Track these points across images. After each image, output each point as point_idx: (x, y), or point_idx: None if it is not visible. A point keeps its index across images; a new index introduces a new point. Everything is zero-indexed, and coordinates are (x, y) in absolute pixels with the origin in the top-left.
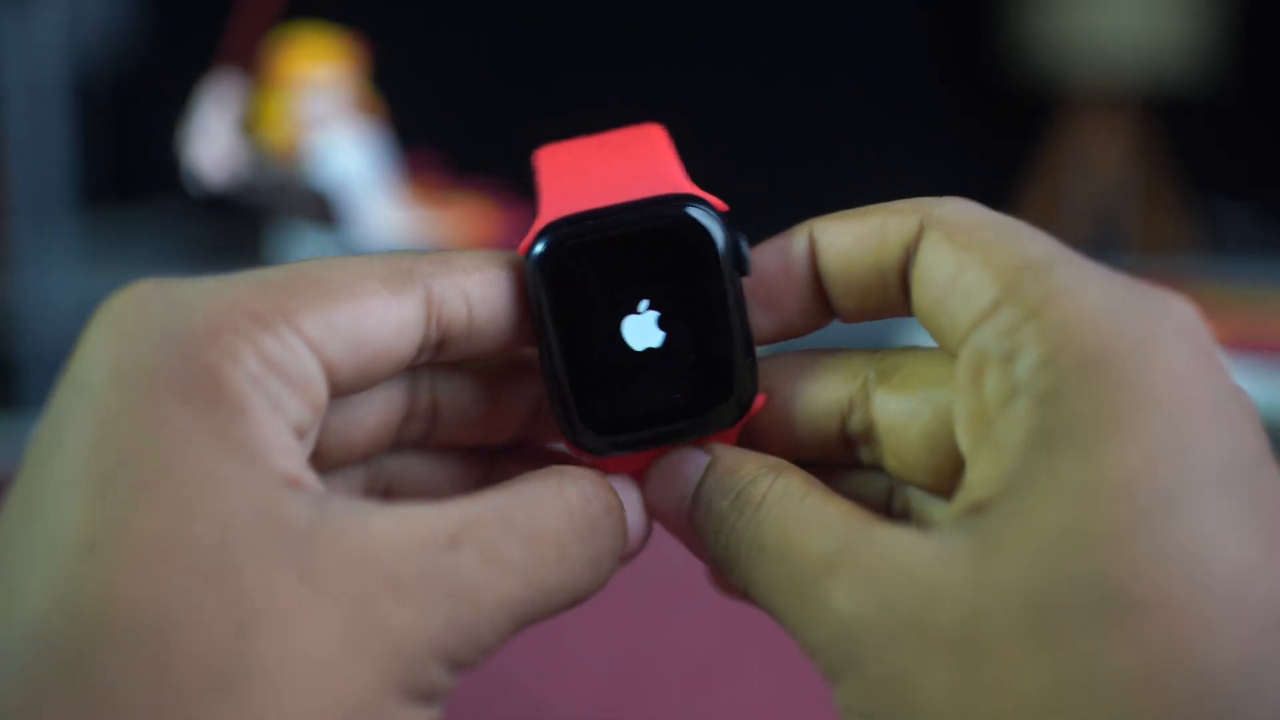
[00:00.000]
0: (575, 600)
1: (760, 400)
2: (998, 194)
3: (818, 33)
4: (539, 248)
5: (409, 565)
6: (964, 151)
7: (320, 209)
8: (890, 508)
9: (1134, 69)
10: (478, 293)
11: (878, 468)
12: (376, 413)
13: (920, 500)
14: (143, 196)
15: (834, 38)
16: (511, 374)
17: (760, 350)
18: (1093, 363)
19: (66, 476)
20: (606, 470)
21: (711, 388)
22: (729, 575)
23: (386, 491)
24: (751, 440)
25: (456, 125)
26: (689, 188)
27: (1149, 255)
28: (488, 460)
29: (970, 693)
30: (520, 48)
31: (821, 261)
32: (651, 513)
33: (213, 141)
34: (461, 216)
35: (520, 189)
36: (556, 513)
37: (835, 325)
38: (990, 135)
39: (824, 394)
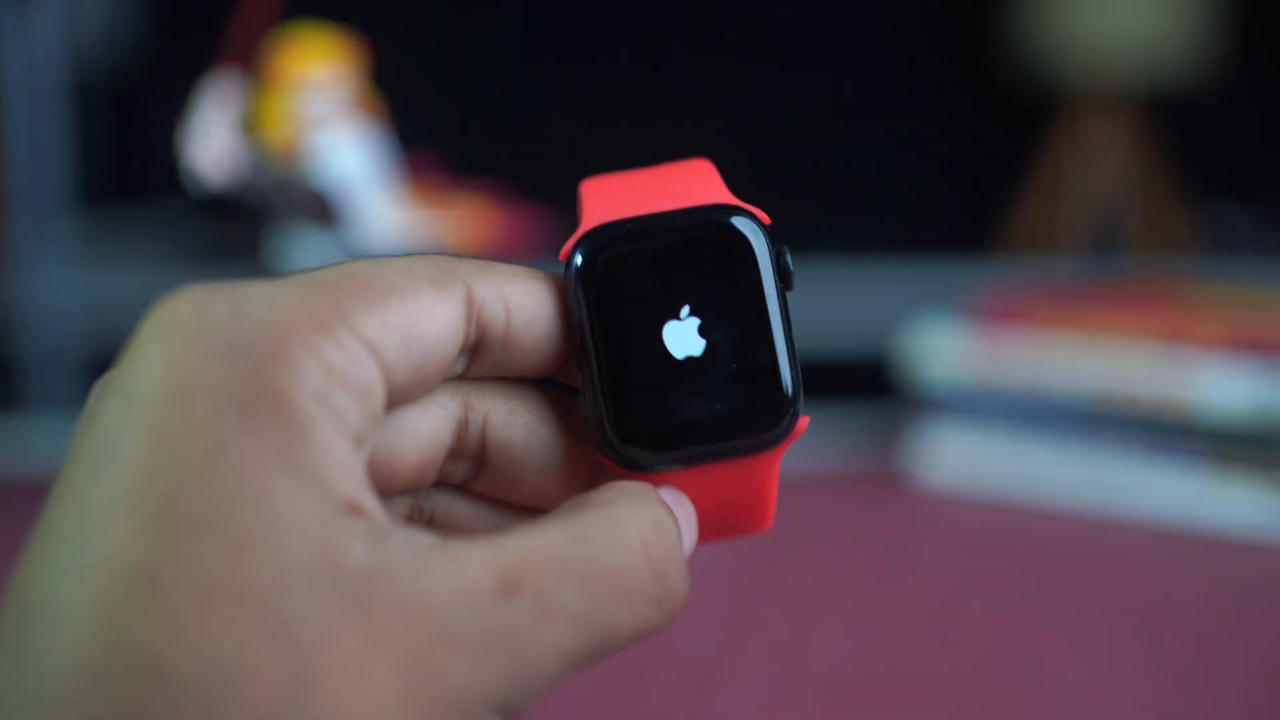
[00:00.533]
0: (639, 639)
1: (805, 420)
2: (998, 194)
3: (817, 32)
4: (579, 249)
5: (464, 617)
6: (964, 151)
7: (320, 209)
8: None
9: (1134, 69)
10: (517, 300)
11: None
12: (422, 444)
13: None
14: (143, 196)
15: (833, 37)
16: (568, 439)
17: None
18: None
19: (119, 495)
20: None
21: (755, 401)
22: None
23: (429, 523)
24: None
25: (456, 125)
26: (733, 200)
27: (1149, 255)
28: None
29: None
30: (520, 47)
31: None
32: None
33: (212, 141)
34: (461, 216)
35: (520, 189)
36: (619, 549)
37: None
38: (990, 135)
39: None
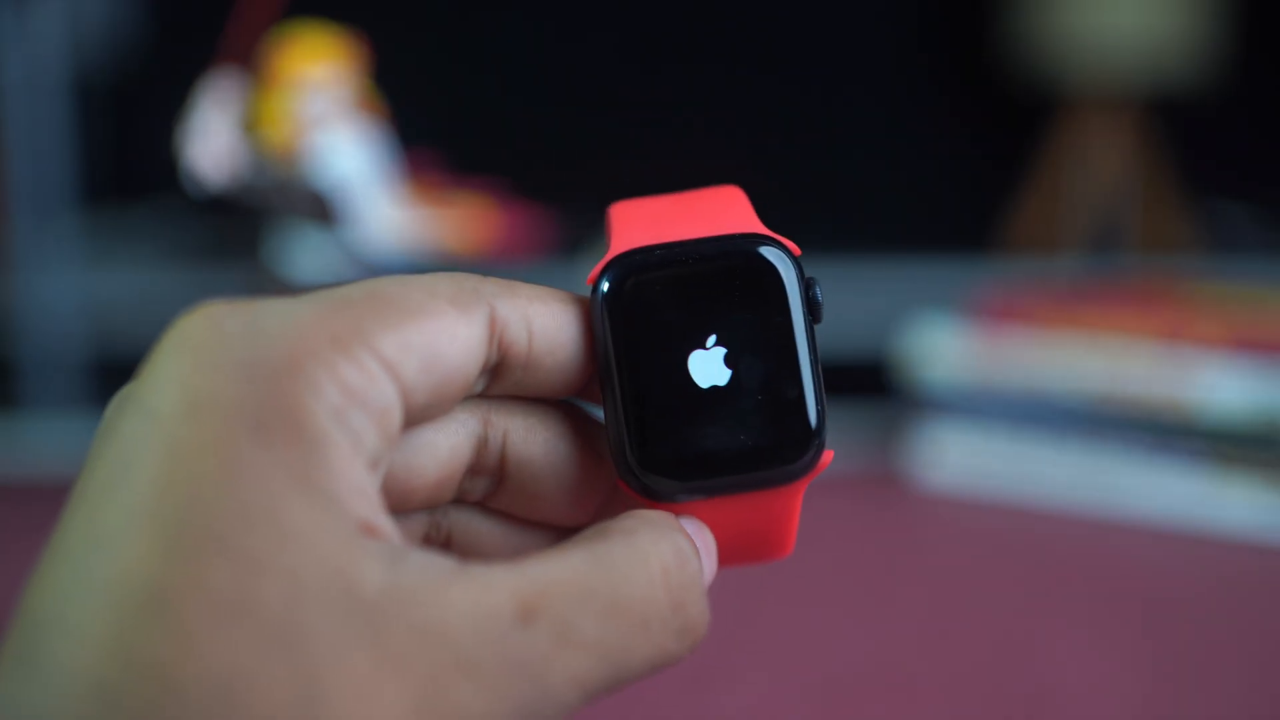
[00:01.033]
0: (658, 670)
1: (829, 454)
2: (998, 194)
3: (817, 32)
4: (607, 275)
5: (480, 643)
6: (964, 151)
7: (320, 208)
8: None
9: (1134, 69)
10: (539, 322)
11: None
12: (441, 461)
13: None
14: (143, 196)
15: (833, 37)
16: (588, 457)
17: None
18: None
19: (133, 513)
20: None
21: (780, 432)
22: None
23: (446, 542)
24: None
25: (456, 125)
26: (763, 230)
27: (1149, 255)
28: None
29: None
30: (520, 47)
31: None
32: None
33: (212, 141)
34: (461, 216)
35: (520, 189)
36: (640, 579)
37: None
38: (990, 135)
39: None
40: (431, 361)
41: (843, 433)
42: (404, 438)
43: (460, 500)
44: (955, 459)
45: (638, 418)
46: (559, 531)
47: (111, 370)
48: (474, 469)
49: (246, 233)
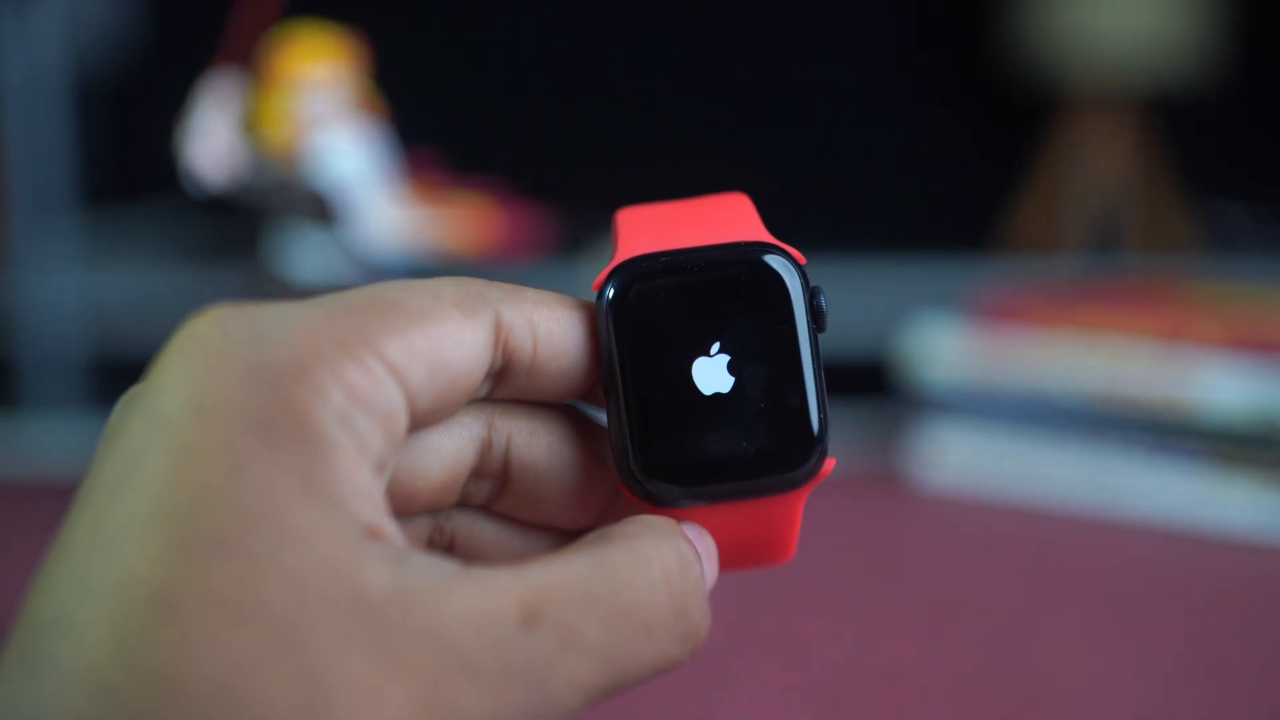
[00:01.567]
0: (659, 674)
1: (831, 462)
2: (997, 193)
3: (817, 32)
4: (612, 281)
5: (483, 646)
6: (964, 151)
7: (320, 208)
8: None
9: (1134, 69)
10: (544, 328)
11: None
12: (445, 464)
13: None
14: (143, 196)
15: (833, 37)
16: (591, 460)
17: None
18: None
19: (139, 515)
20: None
21: (782, 440)
22: None
23: (450, 546)
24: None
25: (456, 125)
26: (769, 238)
27: (1149, 255)
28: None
29: None
30: (520, 46)
31: None
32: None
33: (212, 141)
34: (462, 215)
35: (520, 188)
36: (643, 584)
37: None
38: (990, 135)
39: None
40: (437, 366)
41: (843, 433)
42: (409, 441)
43: (464, 504)
44: (955, 459)
45: (641, 423)
46: (561, 535)
47: (111, 370)
48: (478, 472)
49: (246, 233)
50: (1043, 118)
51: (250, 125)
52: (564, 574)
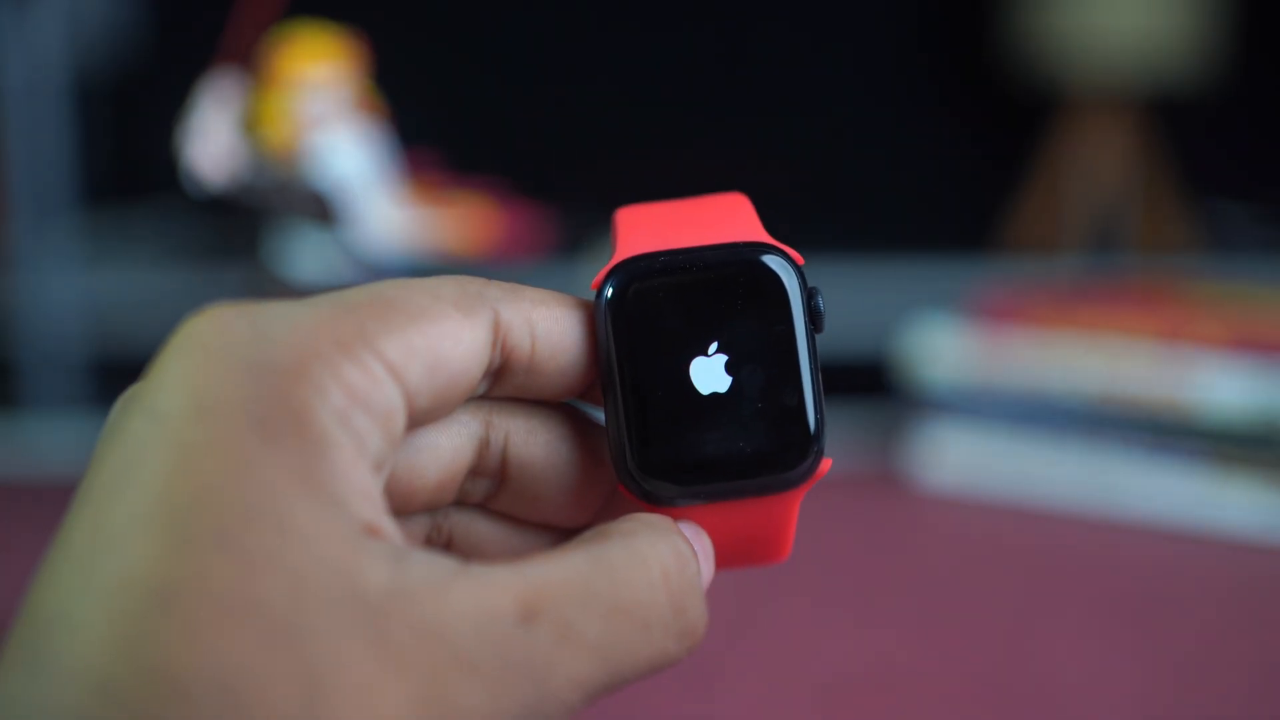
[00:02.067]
0: (656, 671)
1: (827, 462)
2: (997, 193)
3: (817, 31)
4: (611, 280)
5: (482, 643)
6: (964, 151)
7: (320, 209)
8: None
9: (1134, 69)
10: (543, 326)
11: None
12: (443, 463)
13: None
14: (143, 196)
15: (833, 37)
16: (588, 458)
17: None
18: None
19: (140, 512)
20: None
21: (779, 440)
22: None
23: (448, 544)
24: None
25: (456, 125)
26: (768, 239)
27: (1149, 255)
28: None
29: None
30: (521, 46)
31: None
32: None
33: (211, 141)
34: (462, 215)
35: (520, 188)
36: (641, 581)
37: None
38: (990, 135)
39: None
40: (435, 365)
41: (843, 433)
42: (407, 439)
43: (461, 502)
44: (955, 459)
45: (639, 423)
46: (558, 533)
47: (111, 370)
48: (475, 470)
49: (246, 233)
50: (1043, 118)
51: (250, 125)
52: (562, 571)
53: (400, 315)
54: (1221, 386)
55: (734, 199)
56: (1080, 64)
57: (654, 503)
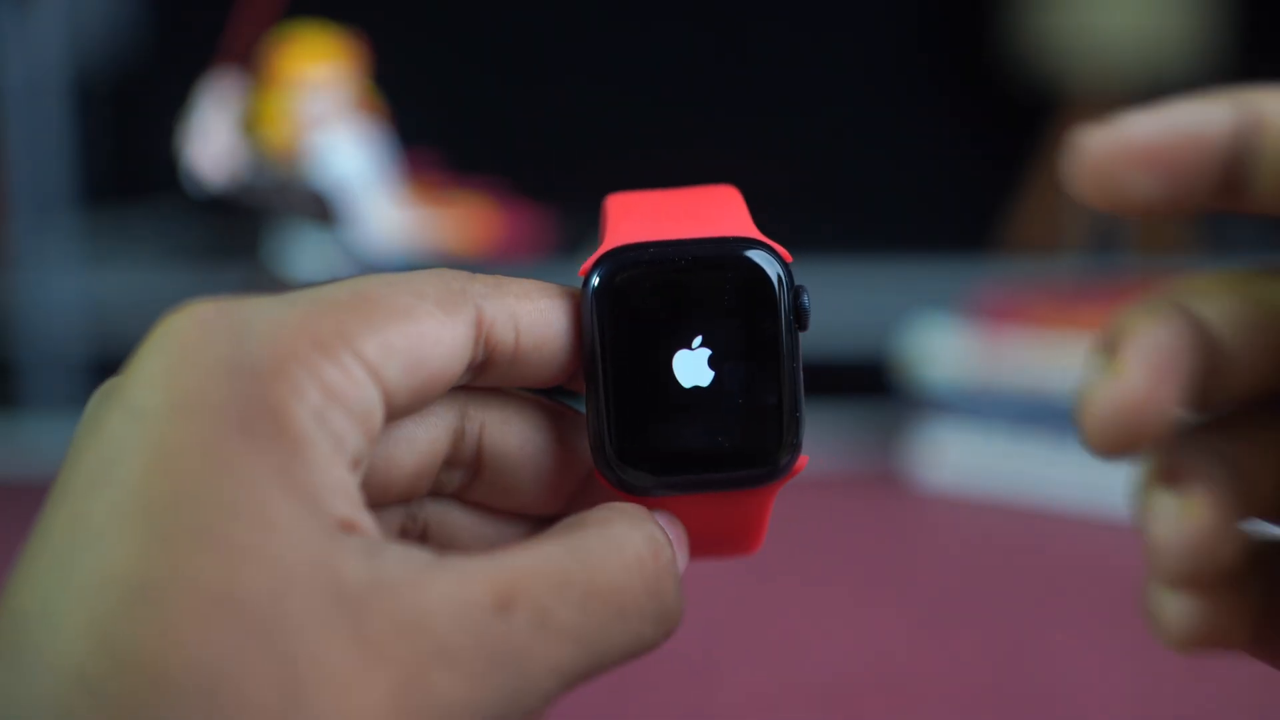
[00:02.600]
0: (635, 657)
1: (804, 460)
2: (997, 193)
3: (816, 31)
4: (598, 269)
5: (460, 632)
6: (964, 151)
7: (320, 208)
8: None
9: (1133, 69)
10: (526, 320)
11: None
12: (419, 454)
13: None
14: (143, 196)
15: (833, 36)
16: (562, 448)
17: None
18: None
19: (119, 508)
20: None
21: (757, 437)
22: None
23: (423, 535)
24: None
25: (456, 125)
26: (756, 235)
27: (1149, 255)
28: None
29: None
30: (521, 46)
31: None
32: (692, 553)
33: (212, 141)
34: (462, 215)
35: (520, 188)
36: (616, 567)
37: None
38: (990, 135)
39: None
40: (415, 364)
41: (843, 432)
42: (384, 431)
43: (436, 493)
44: (955, 459)
45: (619, 413)
46: (533, 523)
47: (111, 370)
48: (450, 461)
49: (246, 233)
50: (1043, 118)
51: (250, 125)
52: (538, 559)
53: (381, 314)
54: None
55: (725, 191)
56: (1080, 64)
57: (630, 492)
